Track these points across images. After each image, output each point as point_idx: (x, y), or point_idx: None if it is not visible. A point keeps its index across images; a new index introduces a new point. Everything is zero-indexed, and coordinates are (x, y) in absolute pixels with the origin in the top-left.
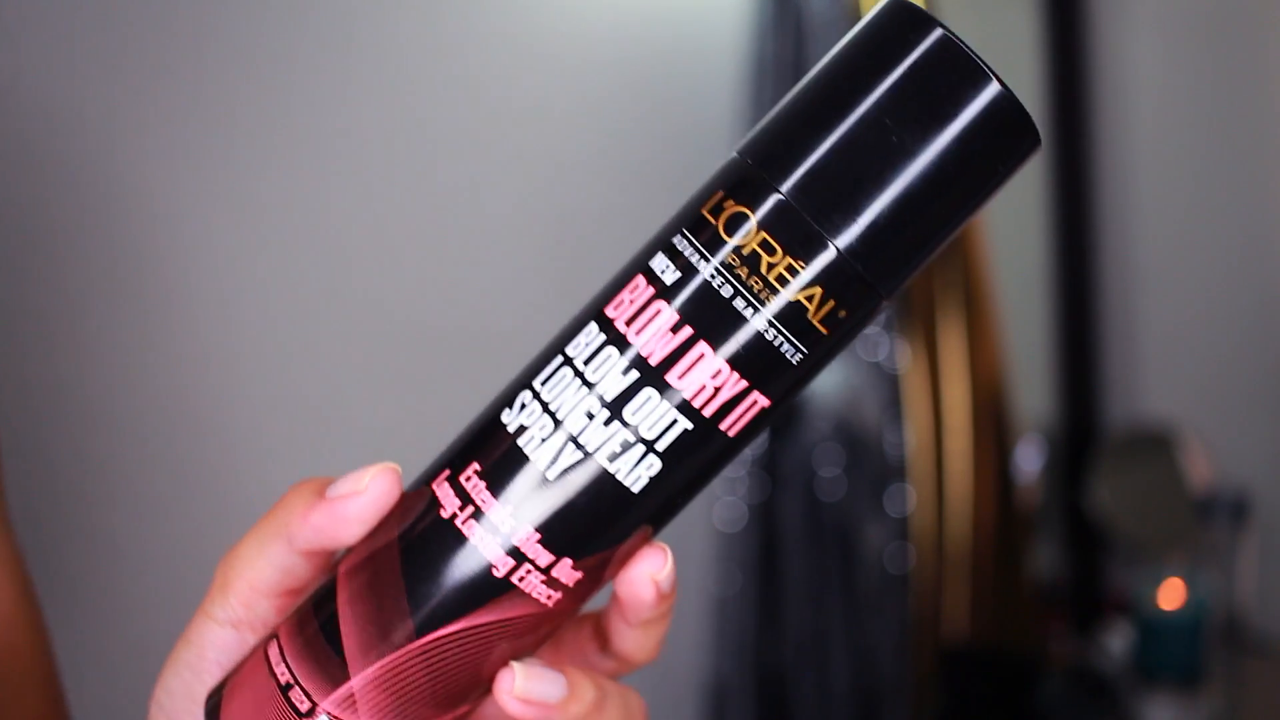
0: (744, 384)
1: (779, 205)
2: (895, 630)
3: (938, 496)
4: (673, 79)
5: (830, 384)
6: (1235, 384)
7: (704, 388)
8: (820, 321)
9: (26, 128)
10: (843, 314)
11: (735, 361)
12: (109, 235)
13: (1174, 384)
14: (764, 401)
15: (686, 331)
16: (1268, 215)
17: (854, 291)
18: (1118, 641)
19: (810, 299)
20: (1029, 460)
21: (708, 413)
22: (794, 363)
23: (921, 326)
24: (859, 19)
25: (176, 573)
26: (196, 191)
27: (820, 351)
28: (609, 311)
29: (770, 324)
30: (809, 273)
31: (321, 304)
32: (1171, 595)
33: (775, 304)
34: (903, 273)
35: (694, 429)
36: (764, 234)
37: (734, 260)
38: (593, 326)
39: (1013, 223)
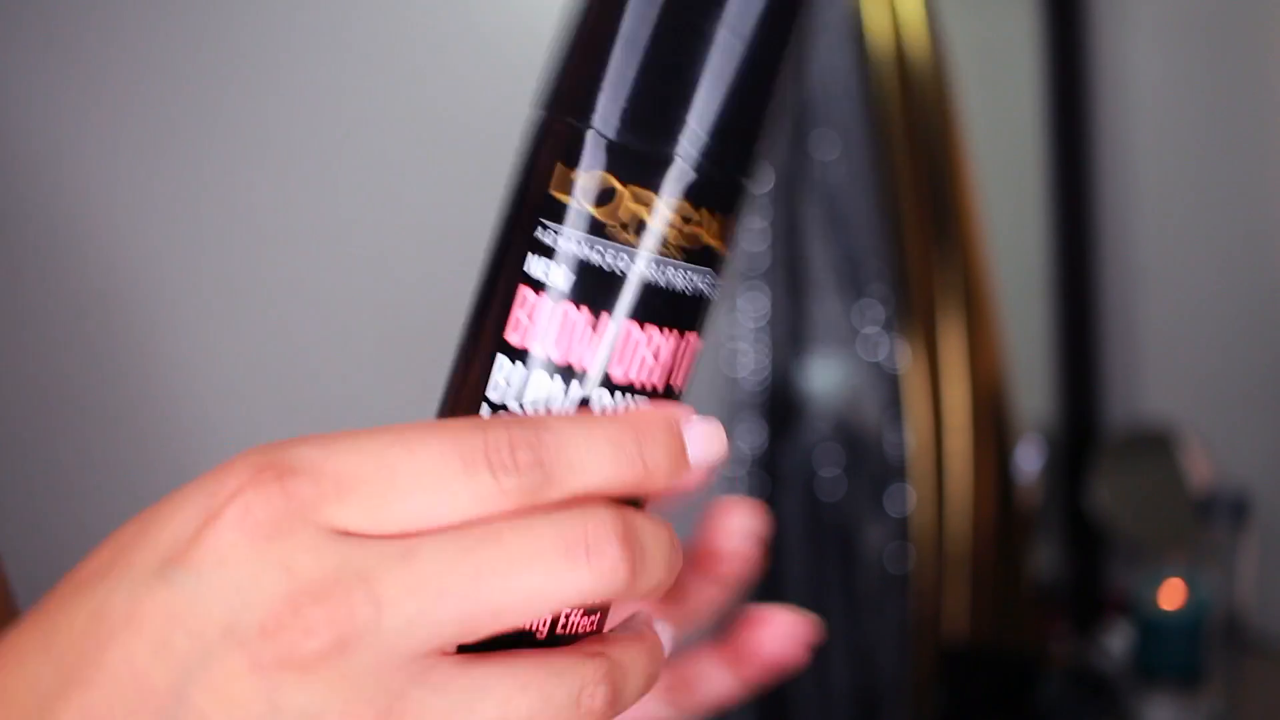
0: (676, 335)
1: (622, 150)
2: (895, 630)
3: (938, 496)
4: None
5: (830, 384)
6: (1235, 384)
7: (645, 362)
8: (716, 237)
9: (27, 127)
10: (731, 219)
11: (662, 320)
12: (109, 235)
13: (1174, 384)
14: (697, 342)
15: (604, 319)
16: (1268, 215)
17: (727, 192)
18: (1118, 641)
19: (698, 223)
20: (1029, 460)
21: (659, 383)
22: (712, 291)
23: (921, 326)
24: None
25: None
26: (197, 191)
27: (726, 265)
28: (511, 337)
29: (675, 267)
30: (681, 199)
31: (321, 304)
32: (1171, 595)
33: (672, 245)
34: (755, 148)
35: (654, 402)
36: (627, 187)
37: (610, 224)
38: (503, 360)
39: (1013, 223)
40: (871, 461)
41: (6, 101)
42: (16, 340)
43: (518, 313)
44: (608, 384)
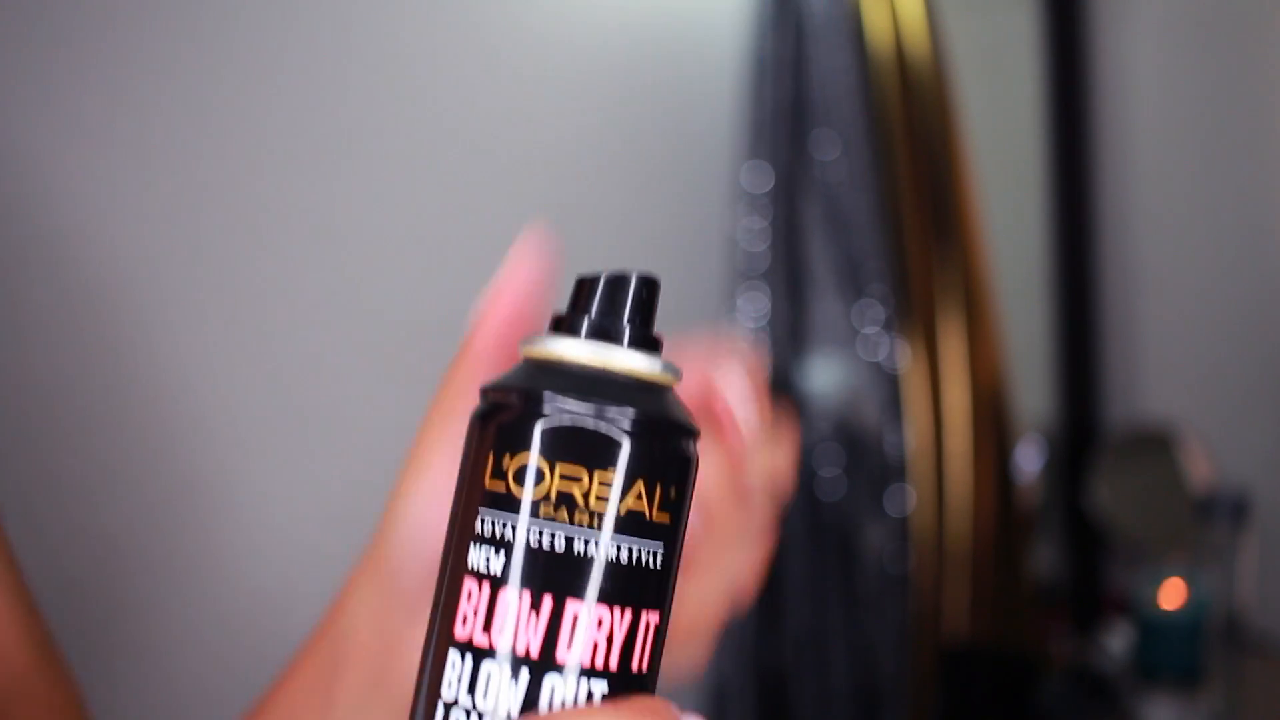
0: (630, 613)
1: (553, 430)
2: (895, 630)
3: (938, 496)
4: (672, 78)
5: (830, 384)
6: (1235, 384)
7: (596, 644)
8: (659, 509)
9: (27, 127)
10: (673, 490)
11: (609, 598)
12: (109, 235)
13: (1174, 384)
14: (654, 619)
15: (547, 602)
16: (1267, 215)
17: (667, 457)
18: (1118, 641)
19: (639, 496)
20: (1029, 460)
21: (615, 665)
22: (660, 564)
23: (921, 326)
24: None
25: (177, 573)
26: (197, 191)
27: (677, 534)
28: (459, 632)
29: (617, 544)
30: (619, 473)
31: (321, 304)
32: (1171, 595)
33: (609, 521)
34: (686, 425)
35: (612, 684)
36: (557, 465)
37: (545, 507)
38: (454, 655)
39: (1013, 223)
40: (871, 461)
41: (6, 100)
42: (16, 340)
43: (464, 607)
44: (557, 666)
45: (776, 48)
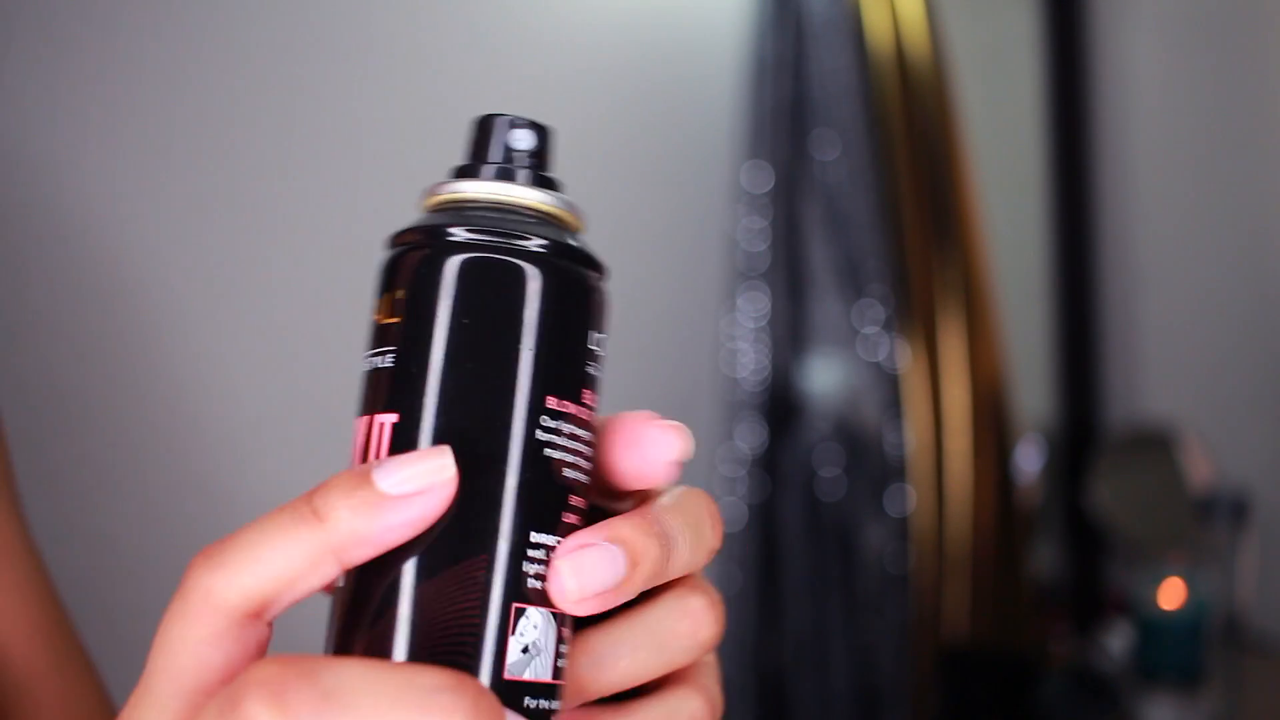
0: (365, 420)
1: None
2: (895, 630)
3: (938, 496)
4: (672, 79)
5: (830, 384)
6: (1235, 384)
7: (353, 455)
8: (388, 314)
9: (27, 126)
10: (400, 293)
11: (359, 409)
12: (109, 234)
13: (1174, 384)
14: (390, 419)
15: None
16: (1267, 215)
17: (400, 268)
18: (1118, 641)
19: (375, 310)
20: (1029, 460)
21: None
22: (392, 364)
23: (921, 326)
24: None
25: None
26: (197, 190)
27: (408, 335)
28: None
29: (368, 357)
30: (380, 293)
31: (322, 304)
32: (1171, 595)
33: (369, 340)
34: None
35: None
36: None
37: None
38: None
39: (1013, 223)
40: (871, 461)
41: (7, 99)
42: (17, 340)
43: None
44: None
45: (776, 48)
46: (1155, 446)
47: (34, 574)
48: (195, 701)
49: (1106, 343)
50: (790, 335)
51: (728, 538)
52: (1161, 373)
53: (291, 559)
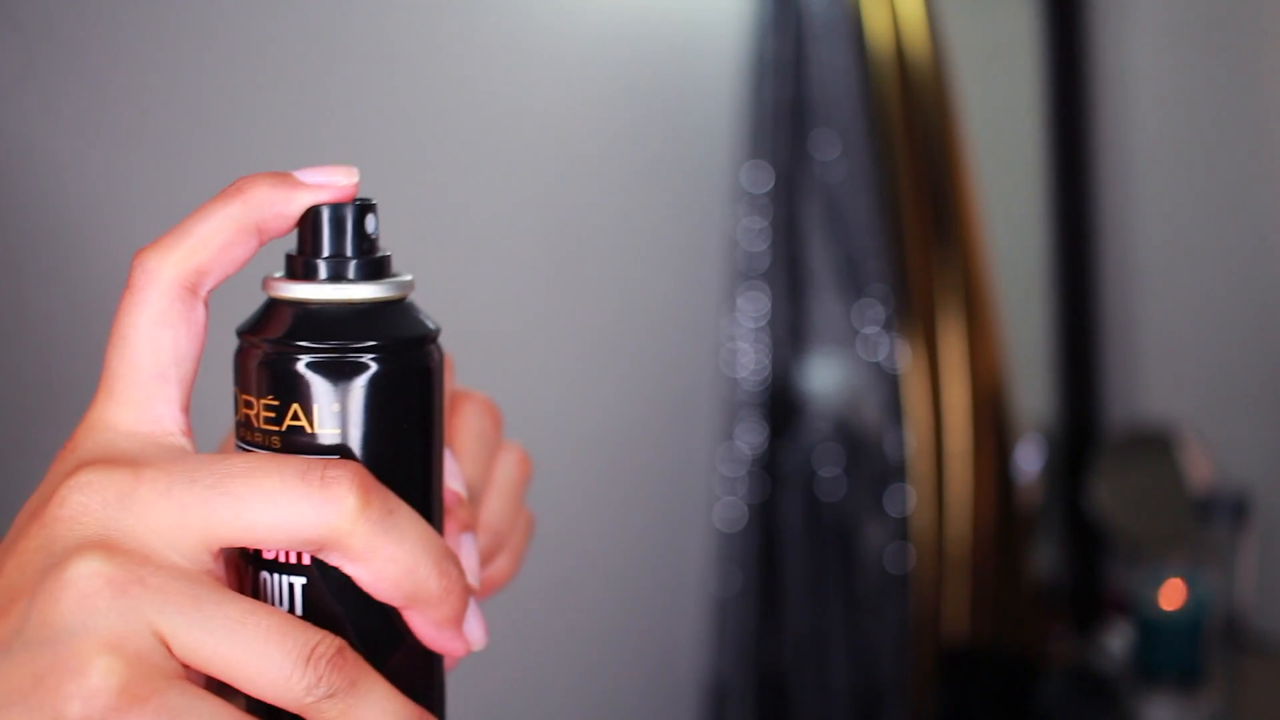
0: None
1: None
2: (895, 630)
3: (938, 496)
4: (673, 78)
5: (830, 384)
6: (1235, 384)
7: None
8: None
9: (26, 126)
10: (335, 405)
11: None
12: (110, 234)
13: (1174, 384)
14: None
15: None
16: (1268, 215)
17: (318, 377)
18: (1118, 641)
19: (294, 417)
20: (1029, 460)
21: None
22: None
23: (921, 326)
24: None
25: None
26: (197, 190)
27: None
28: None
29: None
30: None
31: None
32: (1171, 595)
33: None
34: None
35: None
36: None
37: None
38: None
39: (1013, 223)
40: (871, 461)
41: (7, 99)
42: (16, 340)
43: None
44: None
45: (776, 48)
46: (1155, 446)
47: None
48: (153, 389)
49: (1106, 343)
50: (790, 335)
51: (728, 538)
52: (1161, 373)
53: (218, 229)
